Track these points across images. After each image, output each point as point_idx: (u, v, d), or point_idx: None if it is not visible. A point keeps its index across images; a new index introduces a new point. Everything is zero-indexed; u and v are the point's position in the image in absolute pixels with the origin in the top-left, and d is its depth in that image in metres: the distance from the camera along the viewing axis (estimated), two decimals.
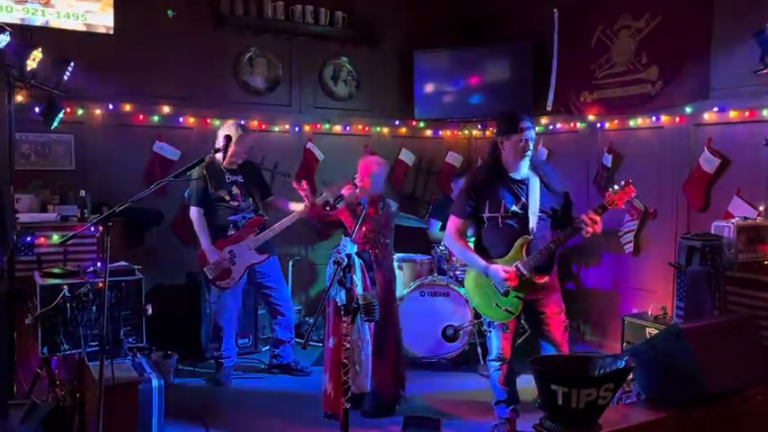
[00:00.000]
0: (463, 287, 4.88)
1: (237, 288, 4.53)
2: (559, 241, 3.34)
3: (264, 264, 4.55)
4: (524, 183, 3.45)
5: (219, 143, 4.23)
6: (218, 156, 4.27)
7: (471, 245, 3.61)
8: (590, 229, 3.26)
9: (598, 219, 3.26)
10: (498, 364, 3.56)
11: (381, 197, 4.08)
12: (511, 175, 3.45)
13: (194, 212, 4.45)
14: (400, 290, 5.07)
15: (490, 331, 3.56)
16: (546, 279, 3.41)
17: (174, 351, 4.56)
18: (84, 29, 4.60)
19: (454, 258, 5.07)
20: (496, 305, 3.45)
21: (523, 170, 3.45)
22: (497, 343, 3.54)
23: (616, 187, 3.31)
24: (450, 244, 3.63)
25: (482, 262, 3.43)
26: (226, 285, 4.44)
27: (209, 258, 4.39)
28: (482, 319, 3.72)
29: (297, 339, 4.86)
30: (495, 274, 3.36)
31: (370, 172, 3.96)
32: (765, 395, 2.84)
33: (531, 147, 3.40)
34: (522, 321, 3.63)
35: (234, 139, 4.24)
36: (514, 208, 3.40)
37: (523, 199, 3.42)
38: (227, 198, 4.46)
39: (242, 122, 4.67)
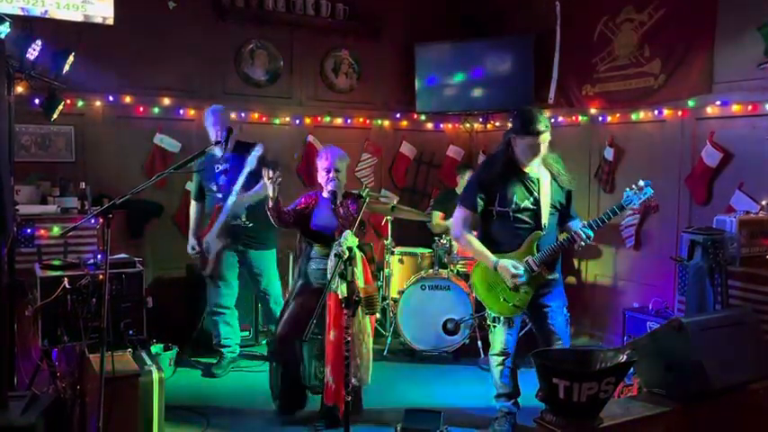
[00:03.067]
0: (464, 280, 4.91)
1: (226, 276, 4.55)
2: (569, 242, 3.32)
3: (257, 255, 4.59)
4: (537, 178, 3.41)
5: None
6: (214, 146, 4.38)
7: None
8: (582, 244, 3.28)
9: (591, 236, 3.28)
10: (501, 359, 3.56)
11: (346, 193, 3.85)
12: (523, 170, 3.41)
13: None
14: (401, 283, 5.09)
15: (495, 326, 3.54)
16: (555, 274, 3.41)
17: (175, 343, 4.56)
18: (82, 19, 4.57)
19: (454, 253, 5.06)
20: (504, 300, 3.42)
21: (536, 166, 3.41)
22: (501, 338, 3.53)
23: (634, 187, 3.23)
24: (457, 236, 3.55)
25: (492, 257, 3.38)
26: (207, 273, 4.54)
27: None
28: (483, 313, 3.71)
29: None
30: (505, 270, 3.32)
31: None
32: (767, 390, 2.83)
33: (544, 149, 3.34)
34: (524, 315, 3.60)
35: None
36: (526, 203, 3.37)
37: (536, 194, 3.38)
38: (215, 189, 4.49)
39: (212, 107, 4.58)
